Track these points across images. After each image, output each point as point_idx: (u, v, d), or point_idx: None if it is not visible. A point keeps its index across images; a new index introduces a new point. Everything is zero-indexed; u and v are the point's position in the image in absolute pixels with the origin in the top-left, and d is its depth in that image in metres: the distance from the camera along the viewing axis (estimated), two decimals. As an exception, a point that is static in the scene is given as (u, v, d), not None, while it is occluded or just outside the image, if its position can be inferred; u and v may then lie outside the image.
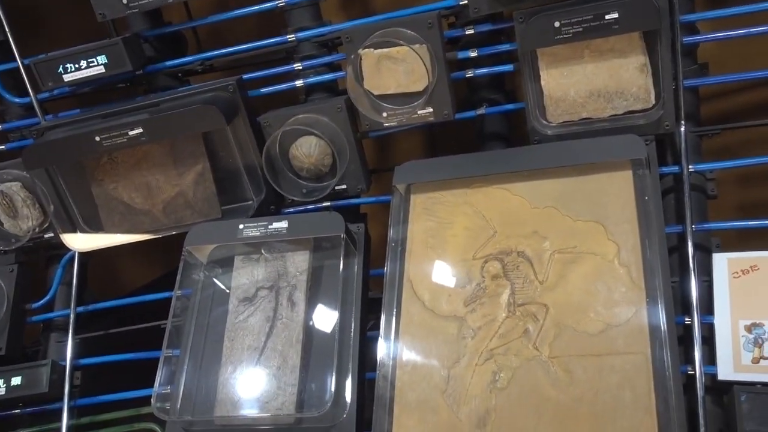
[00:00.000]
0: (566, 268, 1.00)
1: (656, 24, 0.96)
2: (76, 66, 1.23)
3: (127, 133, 1.17)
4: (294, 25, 1.25)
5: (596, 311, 0.96)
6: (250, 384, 1.07)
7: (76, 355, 1.31)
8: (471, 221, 1.10)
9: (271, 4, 1.23)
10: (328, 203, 1.26)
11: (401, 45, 1.09)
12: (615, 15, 0.96)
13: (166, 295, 1.25)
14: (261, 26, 1.46)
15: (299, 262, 1.15)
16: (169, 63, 1.32)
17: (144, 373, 1.14)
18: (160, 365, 1.09)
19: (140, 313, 1.35)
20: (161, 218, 1.30)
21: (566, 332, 0.96)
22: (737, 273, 0.96)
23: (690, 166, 1.04)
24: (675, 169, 1.06)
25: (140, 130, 1.16)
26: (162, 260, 1.81)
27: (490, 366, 0.98)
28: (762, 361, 0.88)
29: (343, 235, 1.10)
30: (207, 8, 1.48)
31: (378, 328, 1.04)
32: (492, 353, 0.99)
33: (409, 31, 1.09)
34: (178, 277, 1.17)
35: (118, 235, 1.31)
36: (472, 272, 1.06)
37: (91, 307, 1.36)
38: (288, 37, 1.24)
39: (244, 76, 1.24)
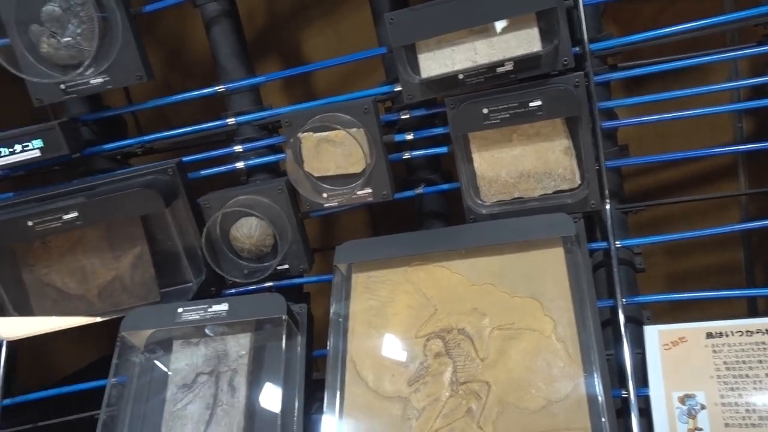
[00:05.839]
0: (506, 345, 1.02)
1: (576, 111, 1.02)
2: (10, 150, 1.21)
3: (61, 218, 1.15)
4: (234, 109, 1.27)
5: (537, 387, 0.97)
6: (187, 478, 1.02)
7: (2, 451, 1.24)
8: (412, 299, 1.11)
9: (211, 89, 1.25)
10: (270, 284, 1.26)
11: (339, 129, 1.12)
12: (539, 102, 1.02)
13: (99, 383, 1.20)
14: (204, 107, 1.47)
15: (240, 344, 1.13)
16: (107, 146, 1.31)
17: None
18: (93, 460, 1.04)
19: (72, 402, 1.29)
20: (96, 303, 1.26)
21: (509, 410, 0.97)
22: (668, 345, 0.99)
23: (617, 242, 1.08)
24: (603, 245, 1.10)
25: (75, 214, 1.14)
26: (96, 343, 1.74)
27: (434, 448, 0.97)
28: None
29: (284, 317, 1.09)
30: (148, 91, 1.49)
31: (322, 410, 1.03)
32: (436, 434, 0.98)
33: (346, 116, 1.13)
34: (113, 364, 1.13)
35: (50, 321, 1.26)
36: (415, 351, 1.06)
37: (19, 398, 1.29)
38: (228, 120, 1.26)
39: (184, 158, 1.25)
